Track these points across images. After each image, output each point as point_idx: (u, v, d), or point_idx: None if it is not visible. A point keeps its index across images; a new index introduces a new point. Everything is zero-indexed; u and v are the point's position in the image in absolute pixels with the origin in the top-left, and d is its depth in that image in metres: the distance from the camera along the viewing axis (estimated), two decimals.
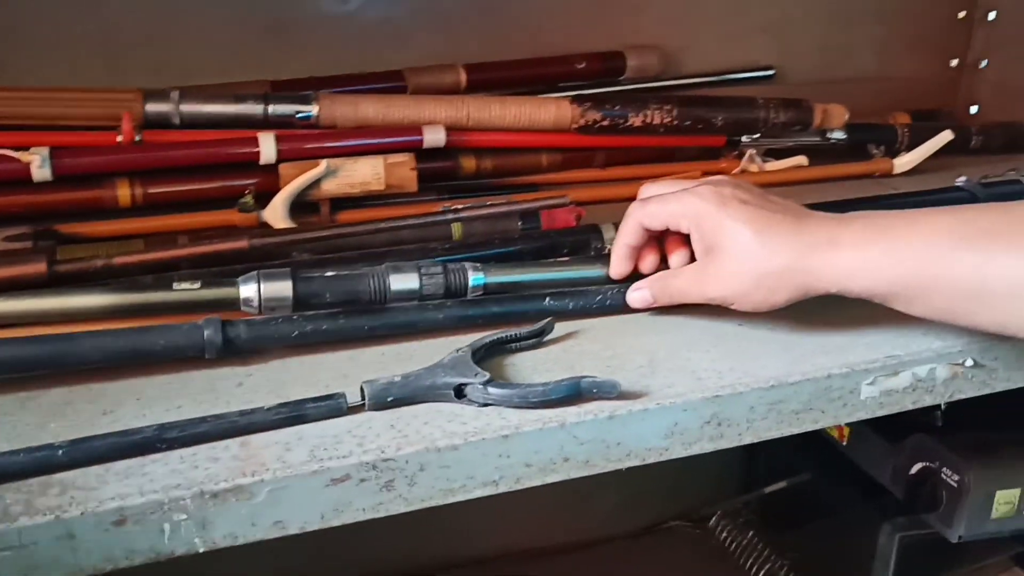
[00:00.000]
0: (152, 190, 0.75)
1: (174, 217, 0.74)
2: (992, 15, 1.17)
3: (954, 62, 1.20)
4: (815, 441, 1.00)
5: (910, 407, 0.59)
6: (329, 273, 0.58)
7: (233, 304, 0.56)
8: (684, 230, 0.57)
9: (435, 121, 0.80)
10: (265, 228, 0.73)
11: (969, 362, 0.59)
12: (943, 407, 0.85)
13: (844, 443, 0.99)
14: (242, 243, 0.65)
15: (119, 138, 0.74)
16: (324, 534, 0.48)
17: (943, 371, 0.58)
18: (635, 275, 0.62)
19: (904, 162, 0.96)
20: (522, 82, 0.96)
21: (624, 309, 0.61)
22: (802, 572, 1.10)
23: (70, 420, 0.48)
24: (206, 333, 0.53)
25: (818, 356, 0.56)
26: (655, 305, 0.60)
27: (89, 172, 0.73)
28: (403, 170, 0.77)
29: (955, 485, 0.84)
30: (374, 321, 0.57)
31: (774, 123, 0.91)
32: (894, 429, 0.92)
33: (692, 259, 0.59)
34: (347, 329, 0.56)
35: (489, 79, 0.93)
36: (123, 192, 0.74)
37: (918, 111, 1.11)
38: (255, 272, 0.57)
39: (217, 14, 0.88)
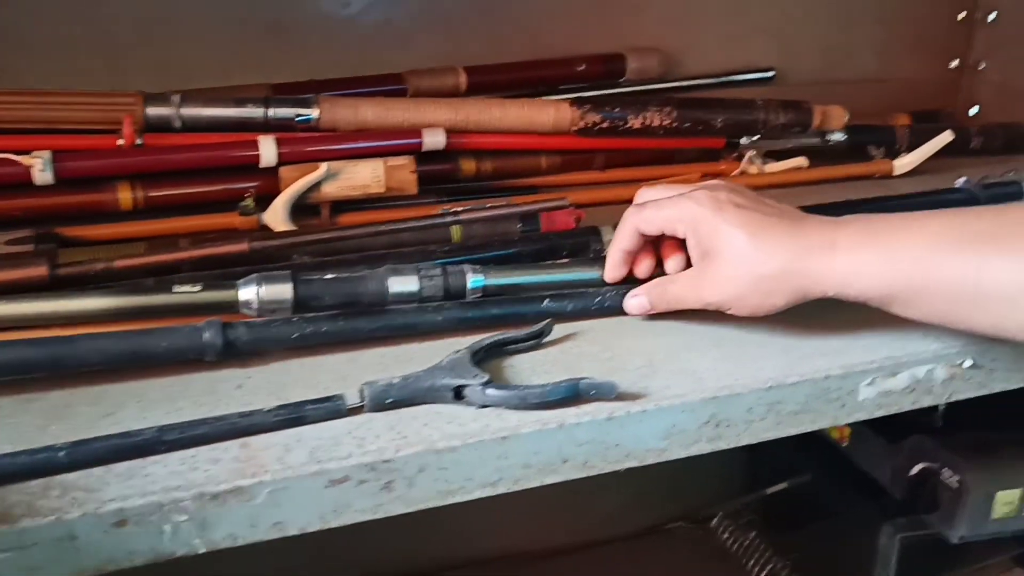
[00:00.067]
0: (153, 193, 0.75)
1: (175, 220, 0.74)
2: (992, 16, 1.17)
3: (954, 63, 1.21)
4: (816, 442, 1.01)
5: (909, 408, 0.59)
6: (329, 276, 0.58)
7: (233, 307, 0.57)
8: (680, 235, 0.57)
9: (435, 124, 0.81)
10: (265, 231, 0.73)
11: (967, 363, 0.59)
12: (942, 408, 0.85)
13: (845, 444, 0.99)
14: (242, 246, 0.65)
15: (120, 142, 0.74)
16: (324, 535, 0.48)
17: (941, 372, 0.58)
18: (632, 278, 0.62)
19: (904, 163, 0.97)
20: (522, 84, 0.96)
21: (623, 311, 0.61)
22: (803, 573, 1.10)
23: (71, 422, 0.48)
24: (206, 335, 0.53)
25: (816, 357, 0.57)
26: (652, 312, 0.60)
27: (90, 175, 0.73)
28: (403, 173, 0.78)
29: (955, 486, 0.84)
30: (374, 323, 0.57)
31: (773, 125, 0.91)
32: (894, 430, 0.92)
33: (688, 265, 0.60)
34: (347, 331, 0.56)
35: (489, 81, 0.93)
36: (124, 195, 0.74)
37: (918, 112, 1.11)
38: (255, 275, 0.57)
39: (217, 16, 0.88)
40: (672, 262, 0.61)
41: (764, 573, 1.13)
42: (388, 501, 0.47)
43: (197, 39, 0.88)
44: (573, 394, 0.50)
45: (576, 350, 0.58)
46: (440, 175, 0.83)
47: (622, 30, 1.02)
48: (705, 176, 0.89)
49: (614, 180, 0.89)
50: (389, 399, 0.50)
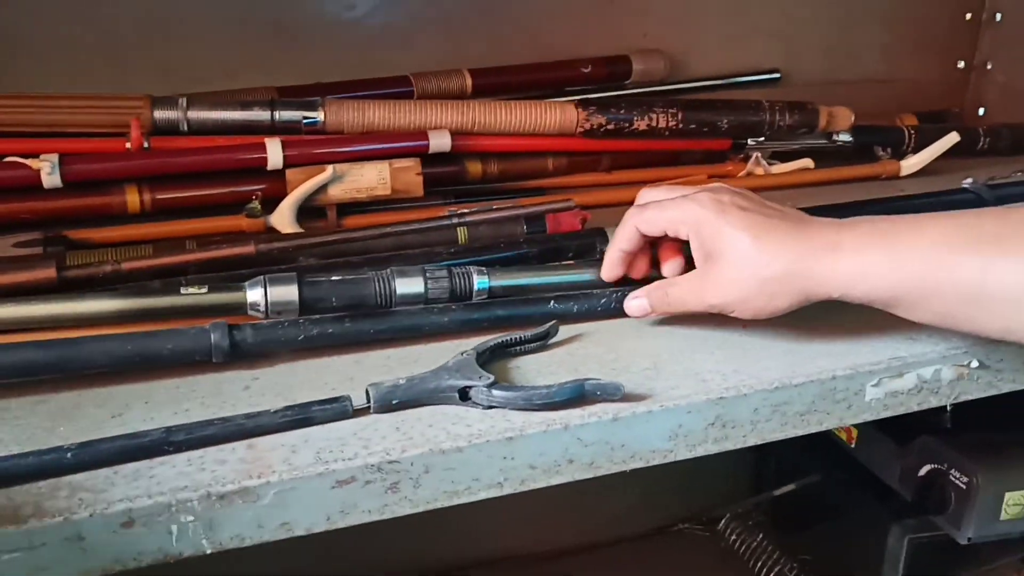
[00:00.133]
0: (160, 196, 0.75)
1: (182, 223, 0.74)
2: (999, 16, 1.16)
3: (961, 64, 1.20)
4: (824, 443, 1.00)
5: (915, 408, 0.59)
6: (335, 277, 0.59)
7: (240, 308, 0.57)
8: (683, 237, 0.57)
9: (441, 126, 0.81)
10: (272, 233, 0.73)
11: (974, 363, 0.59)
12: (949, 408, 0.85)
13: (853, 445, 0.99)
14: (249, 248, 0.65)
15: (128, 145, 0.74)
16: (331, 536, 0.48)
17: (948, 372, 0.58)
18: (630, 280, 0.62)
19: (911, 164, 0.96)
20: (528, 87, 0.96)
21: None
22: (811, 574, 1.10)
23: (79, 423, 0.48)
24: (213, 337, 0.53)
25: (822, 358, 0.57)
26: (652, 314, 0.60)
27: (98, 178, 0.74)
28: (409, 175, 0.78)
29: (964, 487, 0.84)
30: (379, 325, 0.57)
31: (779, 126, 0.91)
32: (902, 431, 0.92)
33: (685, 268, 0.60)
34: (353, 333, 0.57)
35: (495, 84, 0.94)
36: (132, 198, 0.74)
37: (925, 113, 1.11)
38: (262, 277, 0.57)
39: (222, 19, 0.89)
40: (669, 266, 0.61)
41: (772, 574, 1.13)
42: (394, 502, 0.47)
43: (202, 42, 0.88)
44: (579, 395, 0.50)
45: (582, 351, 0.58)
46: (446, 177, 0.83)
47: (627, 32, 1.02)
48: (711, 177, 0.89)
49: (620, 182, 0.89)
50: (395, 400, 0.50)
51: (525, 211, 0.72)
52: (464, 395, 0.51)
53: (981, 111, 1.19)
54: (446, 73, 0.92)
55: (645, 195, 0.61)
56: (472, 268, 0.61)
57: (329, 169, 0.75)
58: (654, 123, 0.87)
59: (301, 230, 0.74)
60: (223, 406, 0.50)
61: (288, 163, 0.76)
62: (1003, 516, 0.84)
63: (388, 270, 0.60)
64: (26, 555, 0.41)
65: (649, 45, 1.02)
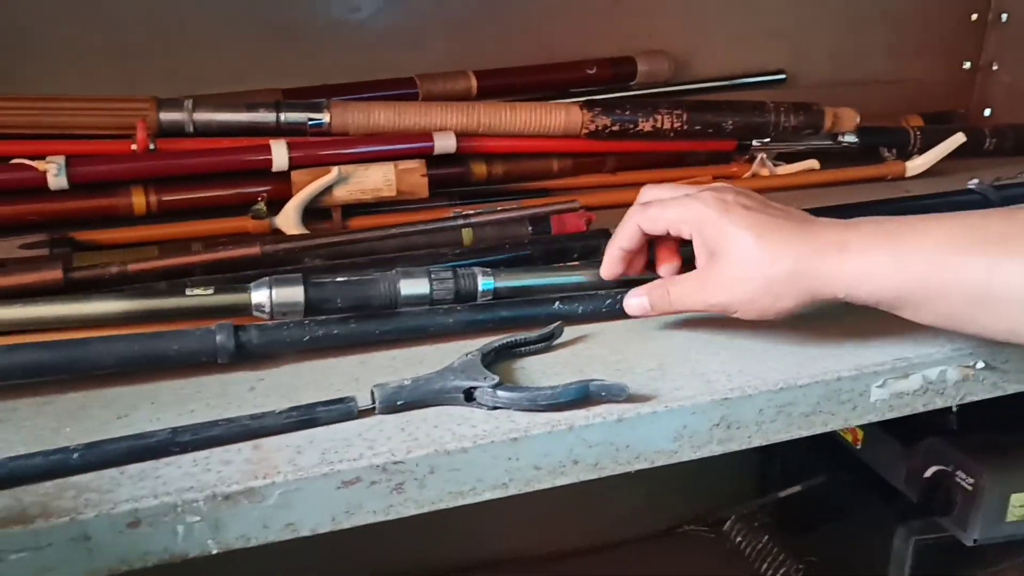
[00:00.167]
0: (166, 198, 0.75)
1: (188, 224, 0.75)
2: (1004, 17, 1.16)
3: (967, 64, 1.20)
4: (829, 445, 1.00)
5: (920, 409, 0.59)
6: (340, 278, 0.59)
7: (245, 309, 0.57)
8: (685, 236, 0.57)
9: (446, 127, 0.81)
10: (278, 235, 0.74)
11: (979, 364, 0.58)
12: (955, 409, 0.84)
13: (858, 447, 0.99)
14: (255, 249, 0.65)
15: (134, 146, 0.75)
16: (337, 536, 0.48)
17: (953, 373, 0.58)
18: (633, 282, 0.62)
19: (916, 165, 0.96)
20: (533, 88, 0.96)
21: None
22: None
23: (85, 424, 0.49)
24: (219, 338, 0.53)
25: (827, 359, 0.56)
26: (652, 313, 0.59)
27: (104, 180, 0.74)
28: (414, 176, 0.78)
29: (969, 488, 0.84)
30: (385, 326, 0.57)
31: (784, 127, 0.91)
32: (908, 432, 0.92)
33: (682, 269, 0.59)
34: (358, 334, 0.57)
35: (500, 85, 0.94)
36: (138, 200, 0.75)
37: (931, 114, 1.11)
38: (267, 278, 0.58)
39: (229, 22, 0.89)
40: (667, 267, 0.61)
41: None
42: (399, 502, 0.47)
43: (209, 45, 0.89)
44: (583, 396, 0.50)
45: (586, 352, 0.58)
46: (451, 178, 0.83)
47: (632, 33, 1.02)
48: (716, 179, 0.89)
49: (625, 183, 0.89)
50: (400, 401, 0.50)
51: (530, 212, 0.72)
52: (469, 396, 0.51)
53: (987, 112, 1.19)
54: (451, 75, 0.92)
55: (647, 193, 0.61)
56: (477, 269, 0.61)
57: (334, 171, 0.75)
58: (659, 124, 0.87)
59: (307, 231, 0.74)
60: (229, 407, 0.50)
61: (293, 165, 0.76)
62: (1009, 517, 0.84)
63: (393, 271, 0.60)
64: (33, 555, 0.41)
65: (654, 46, 1.02)
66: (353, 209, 0.78)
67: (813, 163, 0.95)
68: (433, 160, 0.80)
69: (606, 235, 0.69)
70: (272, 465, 0.45)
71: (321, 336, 0.56)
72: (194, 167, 0.76)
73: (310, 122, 0.79)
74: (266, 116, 0.79)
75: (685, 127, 0.88)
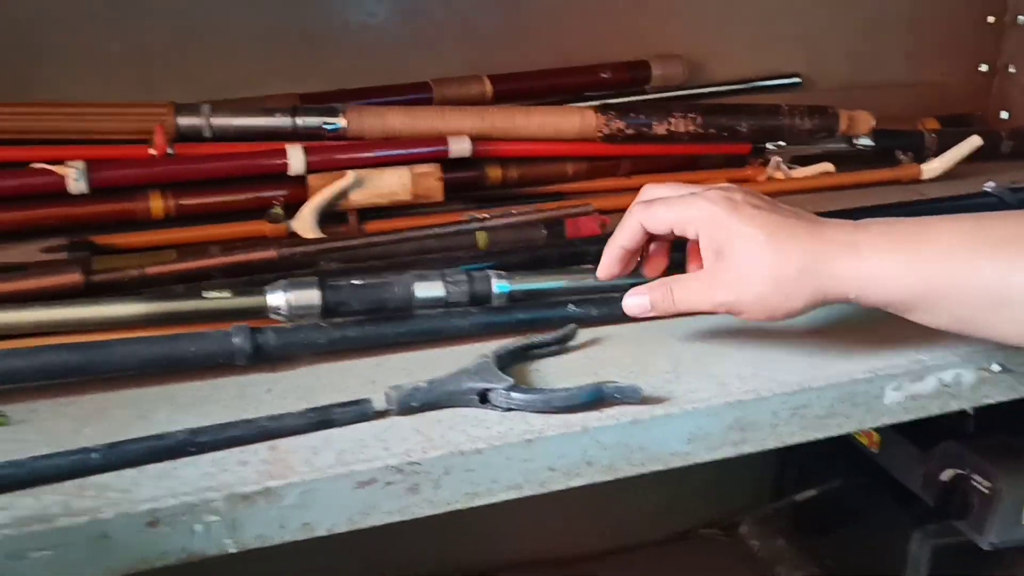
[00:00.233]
0: (184, 202, 0.76)
1: (205, 228, 0.75)
2: (1021, 19, 1.16)
3: (984, 67, 1.19)
4: (846, 448, 1.00)
5: (937, 412, 0.59)
6: (356, 281, 0.59)
7: (262, 312, 0.58)
8: (691, 236, 0.55)
9: (461, 132, 0.81)
10: (294, 238, 0.74)
11: (995, 367, 0.58)
12: (971, 411, 0.84)
13: (874, 450, 0.98)
14: (271, 253, 0.66)
15: (152, 151, 0.75)
16: (353, 538, 0.48)
17: (969, 376, 0.58)
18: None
19: (932, 168, 0.96)
20: (547, 92, 0.96)
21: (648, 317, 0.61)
22: None
23: (105, 425, 0.49)
24: (236, 340, 0.54)
25: (841, 361, 0.57)
26: (652, 314, 0.57)
27: (123, 185, 0.75)
28: (430, 180, 0.78)
29: (986, 492, 0.83)
30: (400, 328, 0.58)
31: (799, 130, 0.91)
32: (925, 436, 0.91)
33: (666, 274, 0.58)
34: (374, 336, 0.57)
35: (515, 89, 0.94)
36: (156, 204, 0.75)
37: (949, 116, 1.11)
38: (284, 281, 0.58)
39: (247, 28, 0.90)
40: (654, 270, 0.60)
41: None
42: (415, 503, 0.48)
43: (227, 50, 0.89)
44: (597, 398, 0.51)
45: (601, 355, 0.58)
46: (466, 182, 0.84)
47: (647, 37, 1.02)
48: (731, 182, 0.89)
49: (639, 186, 0.89)
50: (415, 402, 0.51)
51: (544, 216, 0.73)
52: (484, 398, 0.51)
53: (1004, 115, 1.18)
54: (466, 79, 0.92)
55: (649, 191, 0.59)
56: (492, 272, 0.62)
57: (350, 175, 0.76)
58: (673, 128, 0.87)
59: (323, 235, 0.74)
60: (246, 408, 0.51)
61: (310, 169, 0.77)
62: None
63: (409, 274, 0.60)
64: (54, 554, 0.42)
65: (670, 50, 1.02)
66: (369, 213, 0.78)
67: (828, 166, 0.95)
68: (448, 164, 0.80)
69: None
70: (289, 466, 0.46)
71: (337, 338, 0.56)
72: (211, 171, 0.77)
73: (326, 126, 0.80)
74: (282, 121, 0.79)
75: (699, 130, 0.87)
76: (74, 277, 0.61)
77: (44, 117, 0.76)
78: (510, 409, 0.51)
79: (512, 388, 0.51)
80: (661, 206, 0.56)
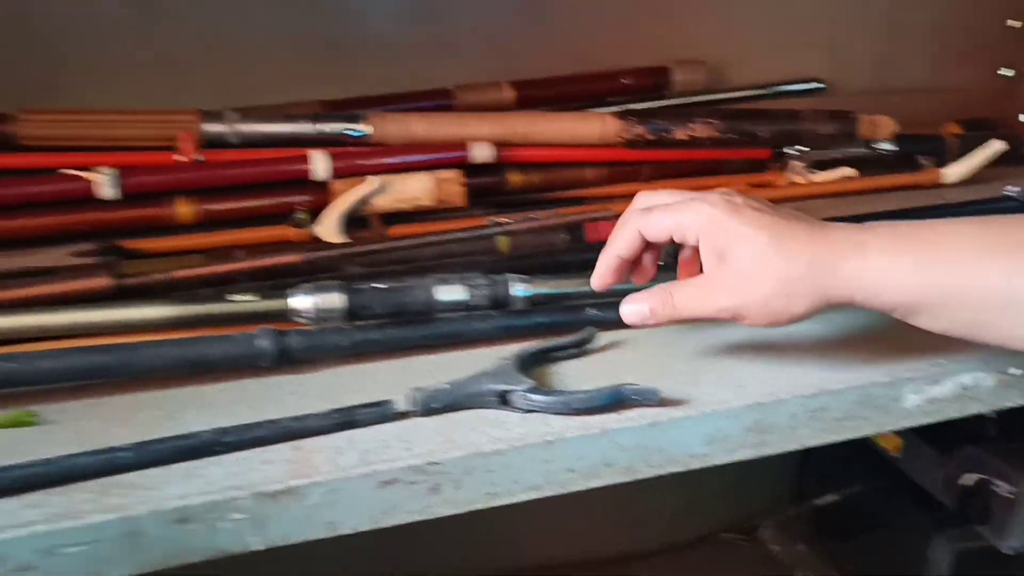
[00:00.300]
0: (210, 207, 0.77)
1: (231, 233, 0.76)
2: None
3: (1006, 72, 1.19)
4: (866, 453, 1.00)
5: (956, 416, 0.59)
6: (379, 285, 0.60)
7: (287, 315, 0.59)
8: (691, 242, 0.54)
9: (483, 137, 0.82)
10: (318, 243, 0.75)
11: (1016, 371, 0.58)
12: (993, 415, 0.84)
13: (896, 454, 0.98)
14: (296, 257, 0.67)
15: (180, 157, 0.76)
16: (375, 537, 0.49)
17: (989, 379, 0.58)
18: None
19: (953, 172, 0.96)
20: (569, 98, 0.97)
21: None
22: None
23: (134, 424, 0.50)
24: (261, 343, 0.55)
25: (861, 364, 0.57)
26: (651, 321, 0.54)
27: (151, 190, 0.76)
28: (452, 186, 0.79)
29: (1008, 496, 0.83)
30: (422, 331, 0.59)
31: (819, 135, 0.91)
32: (946, 440, 0.91)
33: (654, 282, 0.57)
34: (397, 339, 0.58)
35: (536, 95, 0.94)
36: (183, 209, 0.76)
37: (971, 121, 1.10)
38: (308, 284, 0.59)
39: (272, 36, 0.91)
40: (642, 278, 0.58)
41: None
42: (436, 503, 0.48)
43: (253, 59, 0.90)
44: (616, 400, 0.51)
45: (620, 358, 0.58)
46: (488, 187, 0.84)
47: (667, 43, 1.02)
48: (751, 187, 0.89)
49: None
50: (437, 404, 0.51)
51: (565, 220, 0.73)
52: (504, 399, 0.52)
53: None
54: (487, 85, 0.93)
55: (644, 199, 0.57)
56: (512, 276, 0.62)
57: (374, 180, 0.77)
58: (694, 133, 0.87)
59: (346, 239, 0.75)
60: (271, 409, 0.51)
61: (334, 174, 0.78)
62: None
63: (431, 278, 0.61)
64: (87, 549, 0.43)
65: (692, 56, 1.03)
66: (392, 218, 0.79)
67: (849, 171, 0.95)
68: (470, 169, 0.81)
69: None
70: (313, 465, 0.47)
71: (361, 341, 0.57)
72: (237, 177, 0.78)
73: (351, 133, 0.81)
74: (306, 127, 0.80)
75: (720, 136, 0.88)
76: (103, 281, 0.62)
77: (73, 124, 0.78)
78: (530, 411, 0.51)
79: (532, 390, 0.51)
80: (659, 212, 0.55)
